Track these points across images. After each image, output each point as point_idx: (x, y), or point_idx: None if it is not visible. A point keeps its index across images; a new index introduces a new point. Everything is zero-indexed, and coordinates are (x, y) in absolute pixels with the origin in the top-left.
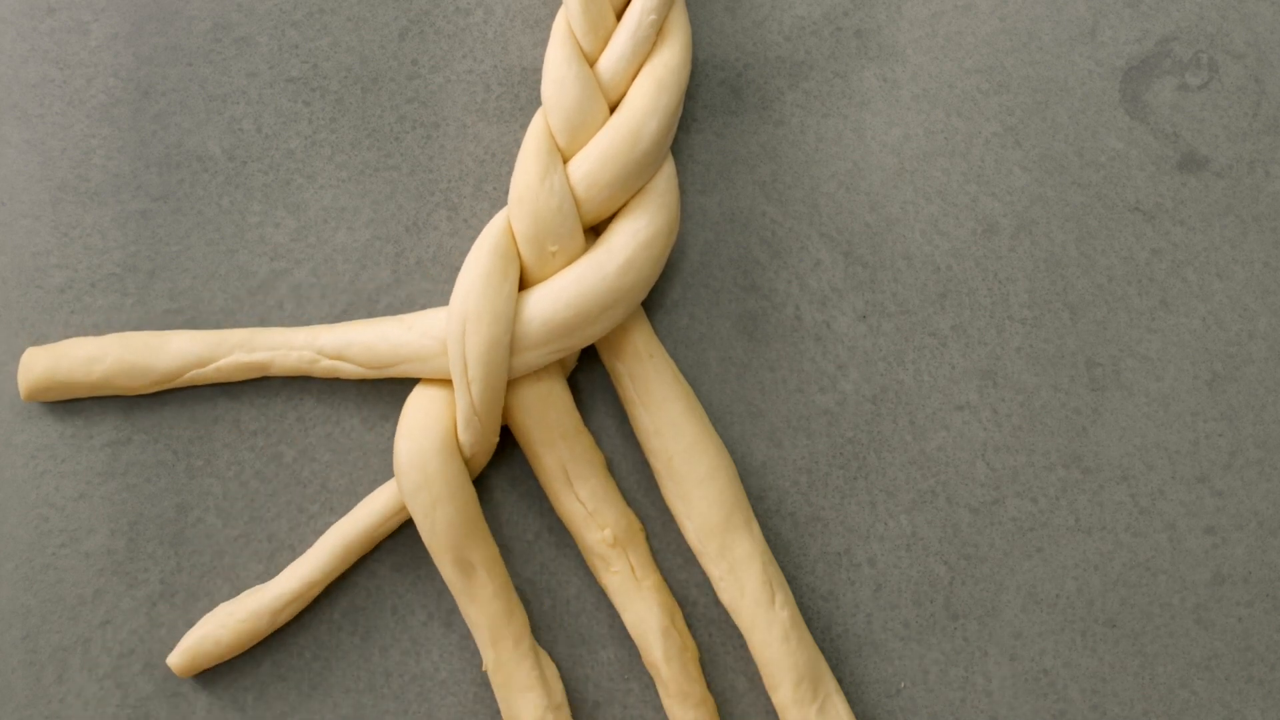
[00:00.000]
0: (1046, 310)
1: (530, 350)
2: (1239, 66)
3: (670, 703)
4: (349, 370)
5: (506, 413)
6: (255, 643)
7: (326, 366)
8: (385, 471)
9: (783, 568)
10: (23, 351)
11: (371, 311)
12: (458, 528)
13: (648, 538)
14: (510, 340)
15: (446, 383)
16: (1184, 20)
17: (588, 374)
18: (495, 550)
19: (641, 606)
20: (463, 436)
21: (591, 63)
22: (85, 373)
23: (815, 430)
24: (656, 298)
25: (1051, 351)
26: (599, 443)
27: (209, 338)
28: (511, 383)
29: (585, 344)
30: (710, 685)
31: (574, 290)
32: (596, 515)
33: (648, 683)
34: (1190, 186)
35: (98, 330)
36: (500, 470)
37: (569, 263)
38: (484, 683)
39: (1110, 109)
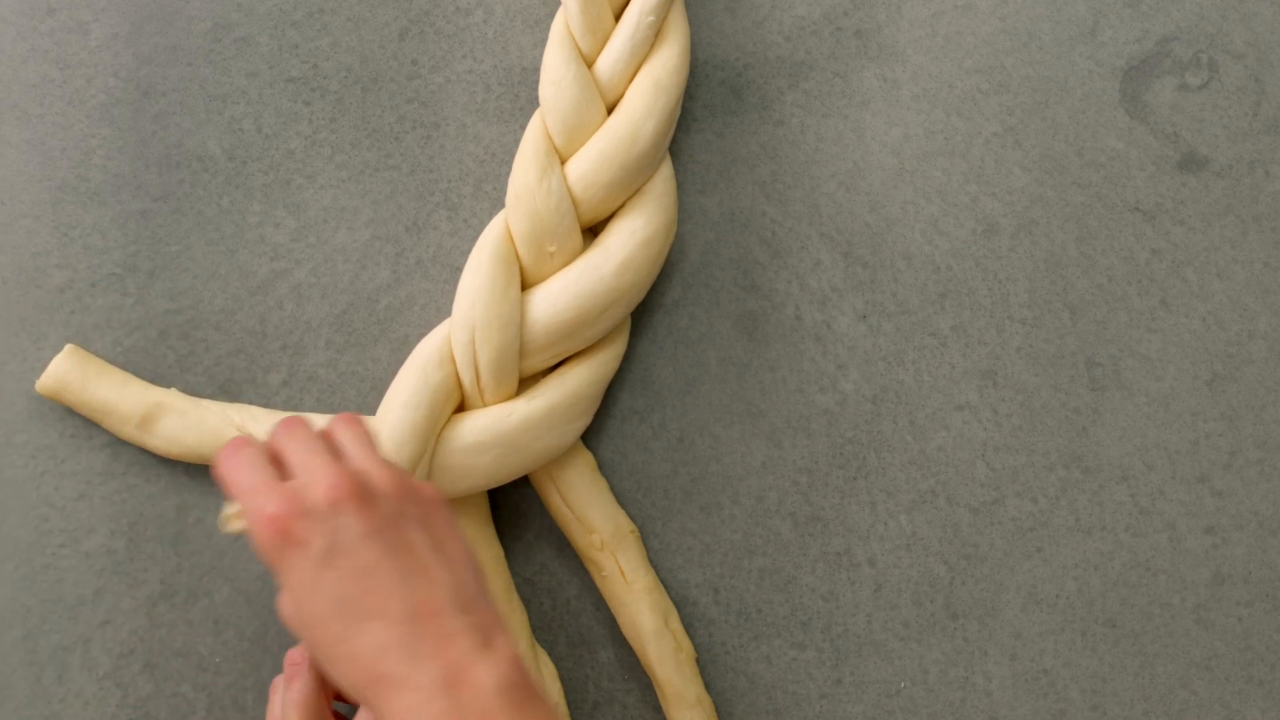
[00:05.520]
0: (1046, 310)
1: (535, 355)
2: (1239, 66)
3: (666, 704)
4: None
5: None
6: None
7: None
8: None
9: (782, 568)
10: (23, 351)
11: (372, 311)
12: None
13: (641, 539)
14: (520, 346)
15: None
16: (1184, 20)
17: None
18: (500, 551)
19: (633, 609)
20: None
21: (590, 64)
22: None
23: (815, 430)
24: (656, 298)
25: (1051, 351)
26: (595, 444)
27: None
28: None
29: (584, 345)
30: (709, 685)
31: (573, 291)
32: (583, 519)
33: (648, 683)
34: (1190, 186)
35: (98, 331)
36: None
37: (567, 263)
38: None
39: (1110, 109)
